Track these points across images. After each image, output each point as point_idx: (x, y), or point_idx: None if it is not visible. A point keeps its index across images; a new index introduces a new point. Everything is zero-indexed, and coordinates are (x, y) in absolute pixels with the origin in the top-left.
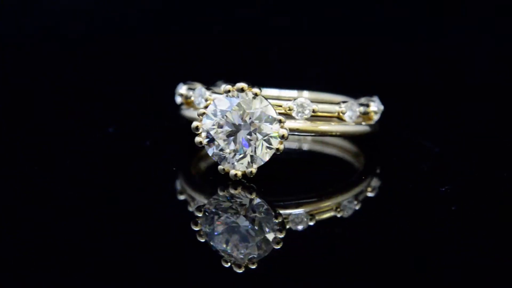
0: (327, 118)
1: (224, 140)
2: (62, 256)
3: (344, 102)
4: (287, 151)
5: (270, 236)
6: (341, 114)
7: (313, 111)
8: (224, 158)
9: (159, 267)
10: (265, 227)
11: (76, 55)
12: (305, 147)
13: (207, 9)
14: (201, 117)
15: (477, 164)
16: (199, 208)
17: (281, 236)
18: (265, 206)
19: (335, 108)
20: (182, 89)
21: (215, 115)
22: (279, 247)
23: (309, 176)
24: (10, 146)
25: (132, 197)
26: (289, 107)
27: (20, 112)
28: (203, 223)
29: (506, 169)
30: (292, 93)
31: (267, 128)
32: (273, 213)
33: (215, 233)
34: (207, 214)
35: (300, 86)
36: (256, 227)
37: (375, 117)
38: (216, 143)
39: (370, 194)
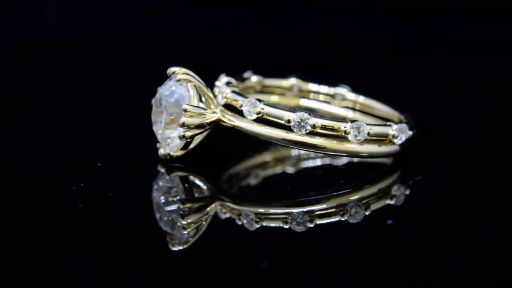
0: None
1: (156, 120)
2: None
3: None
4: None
5: (178, 222)
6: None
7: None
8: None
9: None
10: (173, 212)
11: (75, 55)
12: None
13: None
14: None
15: (480, 164)
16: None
17: (185, 222)
18: (179, 191)
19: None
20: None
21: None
22: (185, 232)
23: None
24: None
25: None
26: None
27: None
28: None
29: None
30: (350, 95)
31: (178, 114)
32: (182, 199)
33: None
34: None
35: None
36: (168, 213)
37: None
38: (153, 120)
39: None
